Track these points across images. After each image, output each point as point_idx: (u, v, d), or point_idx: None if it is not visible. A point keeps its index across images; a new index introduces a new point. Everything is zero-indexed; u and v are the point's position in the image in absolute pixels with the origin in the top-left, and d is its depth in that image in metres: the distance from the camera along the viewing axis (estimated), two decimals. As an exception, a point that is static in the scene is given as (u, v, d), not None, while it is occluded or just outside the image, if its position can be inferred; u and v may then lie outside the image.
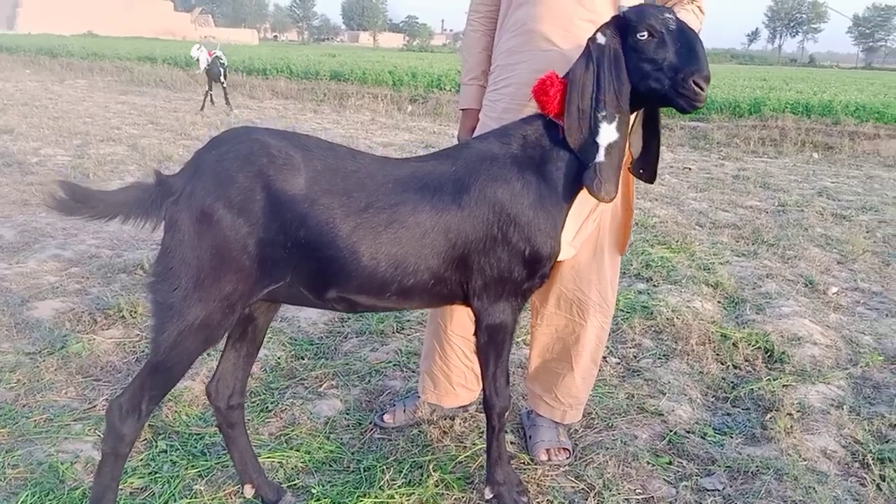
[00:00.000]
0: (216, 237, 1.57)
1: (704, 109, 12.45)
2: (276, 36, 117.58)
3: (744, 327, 3.52)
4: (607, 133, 1.67)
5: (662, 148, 2.09)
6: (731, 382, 2.99)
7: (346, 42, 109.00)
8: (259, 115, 12.42)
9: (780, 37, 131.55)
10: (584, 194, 1.88)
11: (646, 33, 1.67)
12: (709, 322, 3.54)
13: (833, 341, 3.43)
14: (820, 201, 6.78)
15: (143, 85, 17.07)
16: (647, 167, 1.96)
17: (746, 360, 3.19)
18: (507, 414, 1.96)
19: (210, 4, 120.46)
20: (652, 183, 2.03)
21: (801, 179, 8.04)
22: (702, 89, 1.65)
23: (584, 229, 2.15)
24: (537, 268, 1.79)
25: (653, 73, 1.67)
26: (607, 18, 2.03)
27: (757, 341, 3.33)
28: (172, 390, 2.15)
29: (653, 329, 3.47)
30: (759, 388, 2.90)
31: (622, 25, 1.71)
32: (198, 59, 12.23)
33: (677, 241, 5.04)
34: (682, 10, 2.05)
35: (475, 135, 2.26)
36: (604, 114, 1.67)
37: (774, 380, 2.98)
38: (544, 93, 1.76)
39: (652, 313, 3.60)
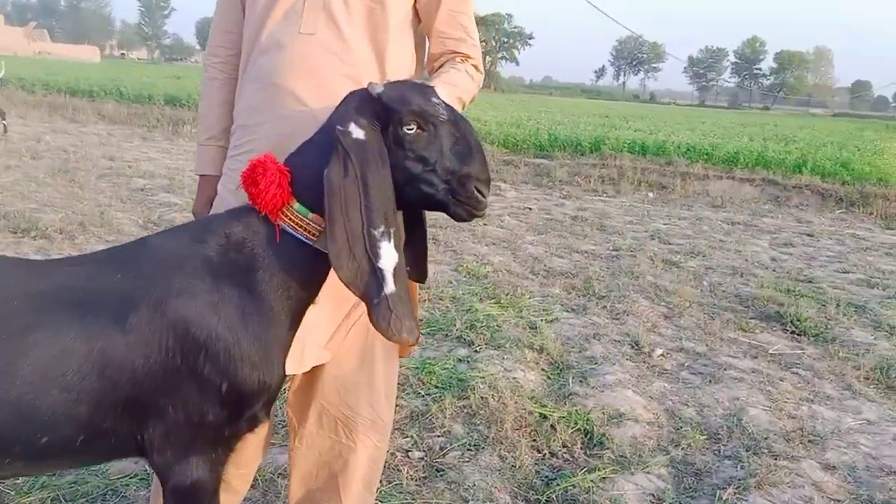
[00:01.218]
0: None
1: (548, 146, 12.58)
2: (123, 54, 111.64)
3: (564, 403, 3.21)
4: (389, 254, 1.25)
5: (430, 240, 1.70)
6: (546, 477, 2.64)
7: (200, 62, 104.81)
8: (78, 140, 11.26)
9: (624, 74, 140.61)
10: (335, 288, 1.45)
11: (414, 126, 1.29)
12: (528, 398, 3.20)
13: (656, 416, 3.18)
14: (652, 245, 6.78)
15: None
16: (415, 264, 1.55)
17: (564, 446, 2.86)
18: None
19: (49, 19, 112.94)
20: (423, 282, 1.63)
21: (637, 221, 8.10)
22: (483, 196, 1.32)
23: (343, 329, 1.71)
24: (242, 408, 1.31)
25: (423, 176, 1.30)
26: (371, 74, 1.63)
27: (577, 421, 3.02)
28: None
29: (466, 411, 3.08)
30: (574, 485, 2.56)
31: (379, 112, 1.31)
32: None
33: (507, 295, 4.74)
34: (453, 69, 1.68)
35: (210, 212, 1.78)
36: (381, 230, 1.25)
37: (592, 471, 2.66)
38: (253, 183, 1.31)
39: (466, 390, 3.22)
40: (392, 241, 1.26)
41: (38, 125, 12.61)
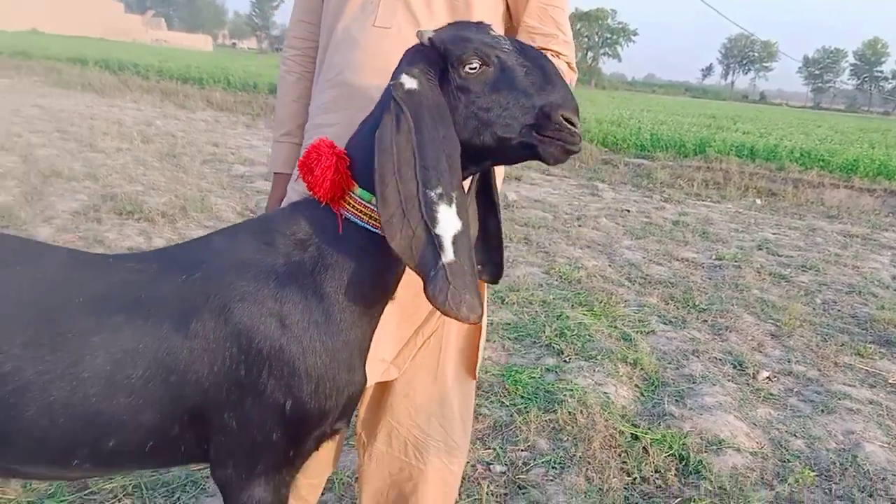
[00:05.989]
0: None
1: (650, 147, 12.11)
2: (234, 43, 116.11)
3: (658, 423, 3.00)
4: (448, 219, 1.10)
5: (505, 230, 1.55)
6: (636, 504, 2.46)
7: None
8: (186, 125, 11.69)
9: (734, 73, 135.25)
10: (404, 305, 1.34)
11: (476, 63, 1.14)
12: (619, 416, 3.01)
13: (759, 445, 2.93)
14: (759, 256, 6.38)
15: (69, 87, 16.12)
16: (488, 258, 1.40)
17: (657, 472, 2.67)
18: None
19: (166, 8, 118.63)
20: (496, 282, 1.45)
21: (742, 229, 7.67)
22: (574, 125, 1.14)
23: (413, 343, 1.60)
24: (308, 429, 1.21)
25: (499, 119, 1.14)
26: None
27: (672, 445, 2.81)
28: None
29: (552, 426, 2.92)
30: (666, 517, 2.37)
31: (434, 59, 1.17)
32: None
33: (601, 303, 4.54)
34: None
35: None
36: (439, 192, 1.10)
37: (687, 502, 2.46)
38: (309, 170, 1.21)
39: (553, 403, 3.06)
40: (453, 206, 1.11)
41: (151, 110, 13.16)
